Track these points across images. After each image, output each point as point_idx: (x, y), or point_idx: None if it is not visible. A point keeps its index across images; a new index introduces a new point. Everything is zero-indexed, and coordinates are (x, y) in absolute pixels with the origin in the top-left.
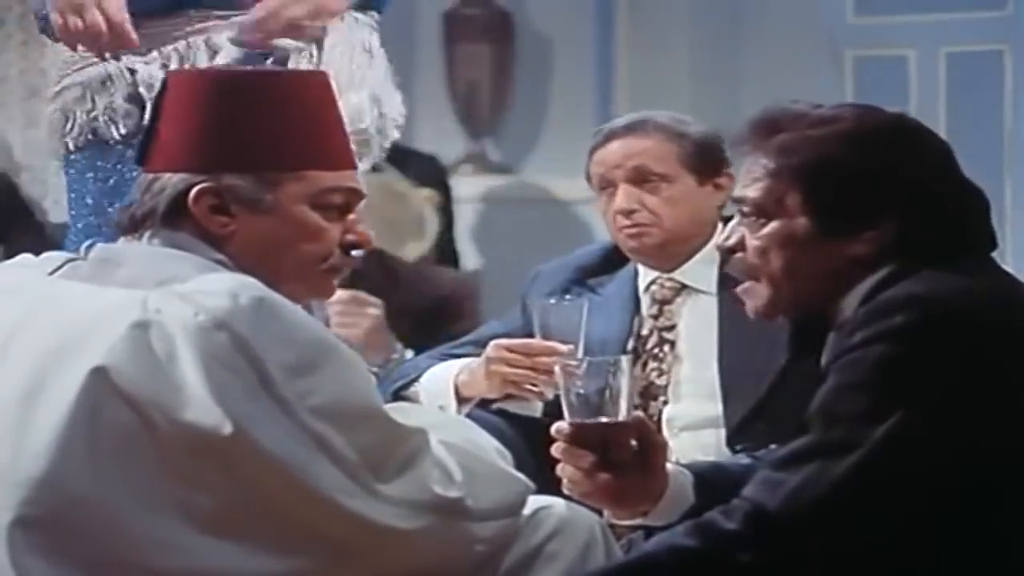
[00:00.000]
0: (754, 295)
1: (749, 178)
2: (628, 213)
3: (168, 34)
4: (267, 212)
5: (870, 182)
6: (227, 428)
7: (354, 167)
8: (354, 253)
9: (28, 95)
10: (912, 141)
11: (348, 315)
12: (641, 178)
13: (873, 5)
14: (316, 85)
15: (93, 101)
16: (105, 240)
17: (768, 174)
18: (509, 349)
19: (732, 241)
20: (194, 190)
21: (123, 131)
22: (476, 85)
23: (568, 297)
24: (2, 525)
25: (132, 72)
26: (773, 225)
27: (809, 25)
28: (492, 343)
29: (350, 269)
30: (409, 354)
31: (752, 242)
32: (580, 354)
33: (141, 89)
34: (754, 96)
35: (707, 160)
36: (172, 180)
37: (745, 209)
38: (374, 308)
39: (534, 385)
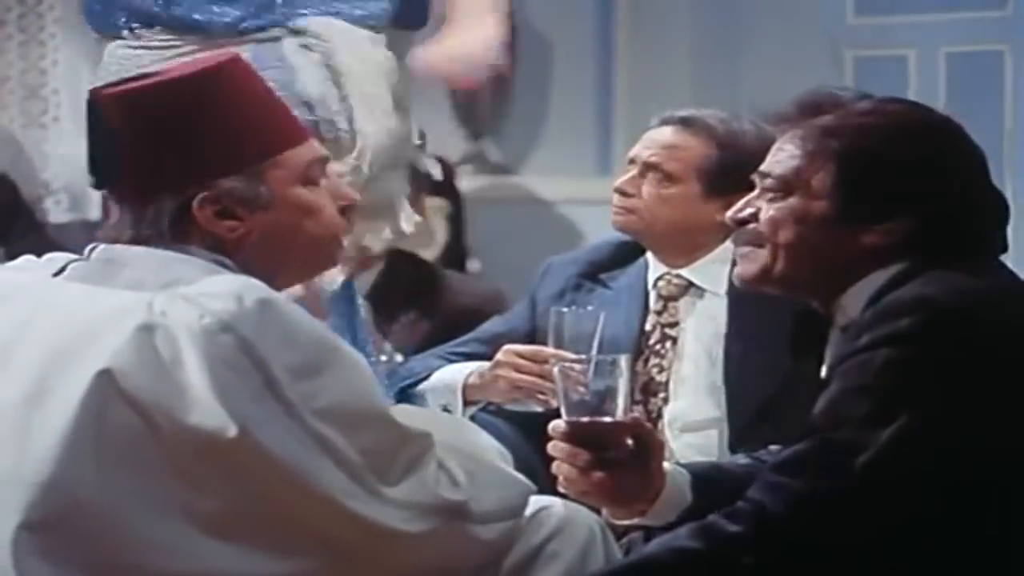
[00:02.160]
0: (751, 259)
1: (782, 154)
2: (623, 194)
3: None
4: (267, 205)
5: (899, 176)
6: (232, 430)
7: (309, 137)
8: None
9: (28, 95)
10: (949, 144)
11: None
12: (651, 172)
13: (873, 5)
14: (247, 69)
15: None
16: None
17: (805, 153)
18: (519, 355)
19: (745, 213)
20: (195, 201)
21: None
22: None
23: (589, 308)
24: (8, 528)
25: None
26: (792, 200)
27: (809, 25)
28: (504, 348)
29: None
30: (398, 357)
31: (767, 213)
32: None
33: None
34: (754, 96)
35: (727, 179)
36: (165, 203)
37: (768, 183)
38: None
39: (541, 393)
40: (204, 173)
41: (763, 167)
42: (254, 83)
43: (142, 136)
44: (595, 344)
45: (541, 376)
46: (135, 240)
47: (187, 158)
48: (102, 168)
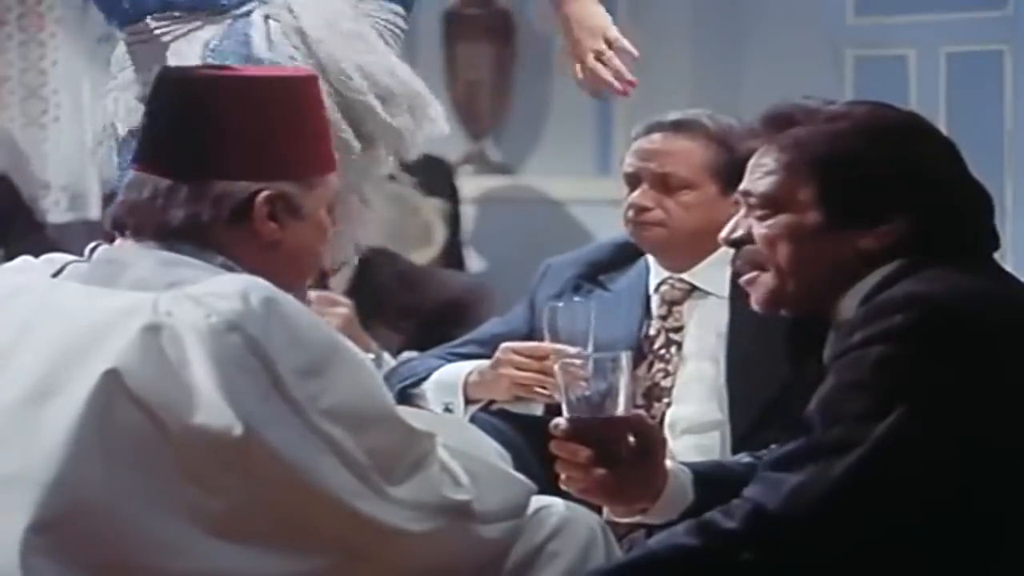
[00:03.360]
0: (759, 285)
1: (760, 171)
2: (640, 210)
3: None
4: (304, 218)
5: (884, 176)
6: (238, 429)
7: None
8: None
9: (28, 95)
10: (924, 138)
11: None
12: (664, 183)
13: (873, 5)
14: (317, 88)
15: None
16: None
17: (781, 167)
18: (517, 352)
19: (739, 234)
20: (261, 196)
21: (130, 128)
22: (476, 85)
23: (576, 299)
24: (17, 528)
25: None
26: (782, 217)
27: (809, 25)
28: (501, 346)
29: None
30: (386, 355)
31: (760, 231)
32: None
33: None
34: (754, 96)
35: (738, 173)
36: (234, 187)
37: (753, 201)
38: (343, 307)
39: (543, 388)
40: (276, 171)
41: (744, 186)
42: (320, 101)
43: (239, 120)
44: (590, 335)
45: (542, 371)
46: (189, 217)
47: (269, 151)
48: (164, 143)
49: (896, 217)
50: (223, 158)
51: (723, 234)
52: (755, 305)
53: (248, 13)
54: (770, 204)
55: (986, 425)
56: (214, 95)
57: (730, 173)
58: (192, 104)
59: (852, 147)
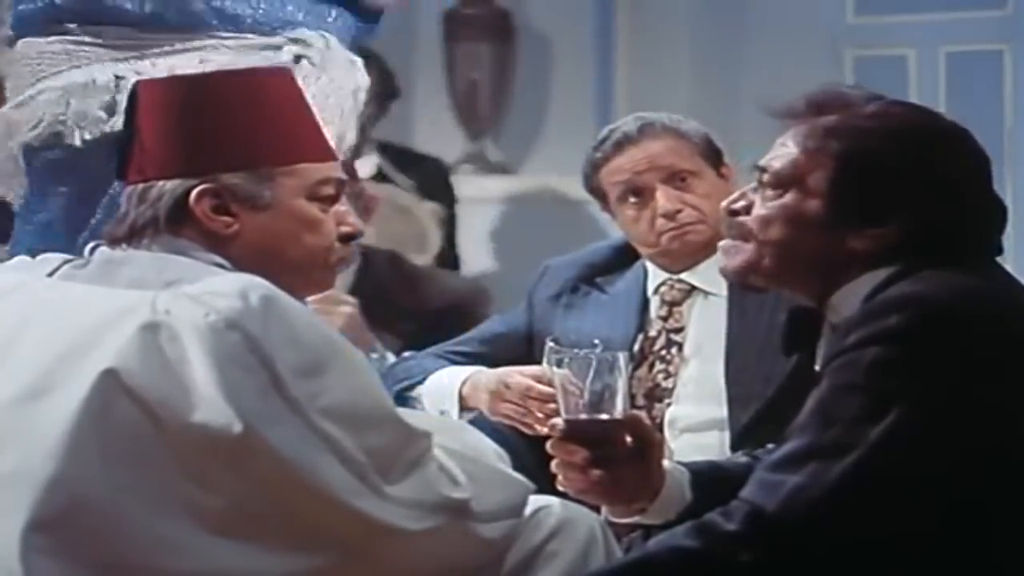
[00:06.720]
0: (734, 253)
1: (783, 150)
2: (673, 215)
3: (165, 44)
4: (267, 208)
5: (895, 181)
6: (237, 427)
7: (337, 159)
8: (351, 243)
9: None
10: (951, 150)
11: (321, 313)
12: (676, 178)
13: (873, 5)
14: (289, 82)
15: (68, 104)
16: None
17: (804, 150)
18: (508, 386)
19: (740, 204)
20: (194, 192)
21: (87, 137)
22: (476, 85)
23: (582, 353)
24: (16, 527)
25: (119, 79)
26: (787, 198)
27: (809, 25)
28: (500, 376)
29: (348, 260)
30: (389, 354)
31: (759, 210)
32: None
33: (119, 96)
34: (754, 96)
35: (714, 152)
36: (168, 186)
37: (765, 177)
38: (347, 306)
39: (527, 423)
40: (211, 164)
41: (762, 161)
42: (288, 93)
43: (163, 121)
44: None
45: (527, 409)
46: (132, 225)
47: (198, 147)
48: (122, 154)
49: (893, 223)
50: (157, 159)
51: (725, 202)
52: (723, 271)
53: (278, 47)
54: (780, 183)
55: (983, 426)
56: (145, 98)
57: (711, 154)
58: (130, 111)
59: (875, 146)
